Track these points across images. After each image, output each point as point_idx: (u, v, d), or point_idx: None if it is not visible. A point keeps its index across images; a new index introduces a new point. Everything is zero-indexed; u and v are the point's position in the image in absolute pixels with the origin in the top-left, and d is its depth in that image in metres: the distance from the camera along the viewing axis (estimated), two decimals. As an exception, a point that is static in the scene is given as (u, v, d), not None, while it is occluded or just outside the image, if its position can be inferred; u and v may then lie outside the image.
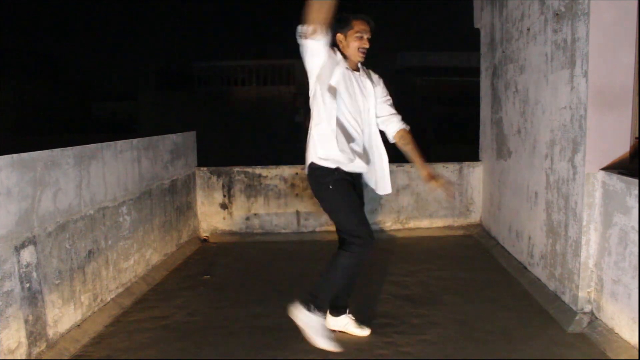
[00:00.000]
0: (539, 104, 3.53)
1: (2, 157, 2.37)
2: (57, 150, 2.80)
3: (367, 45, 2.62)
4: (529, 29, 3.68)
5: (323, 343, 2.61)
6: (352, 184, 2.73)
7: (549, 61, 3.32)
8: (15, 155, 2.47)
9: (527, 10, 3.70)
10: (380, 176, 2.85)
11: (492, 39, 4.70)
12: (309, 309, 2.60)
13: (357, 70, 2.71)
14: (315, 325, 2.61)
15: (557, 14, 3.17)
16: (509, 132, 4.22)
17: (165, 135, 4.41)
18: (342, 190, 2.61)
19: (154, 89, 17.43)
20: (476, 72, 5.37)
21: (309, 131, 2.67)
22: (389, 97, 2.83)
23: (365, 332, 2.92)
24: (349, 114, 2.61)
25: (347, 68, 2.63)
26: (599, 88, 2.79)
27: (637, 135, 2.82)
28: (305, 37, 2.39)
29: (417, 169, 2.86)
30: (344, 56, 2.64)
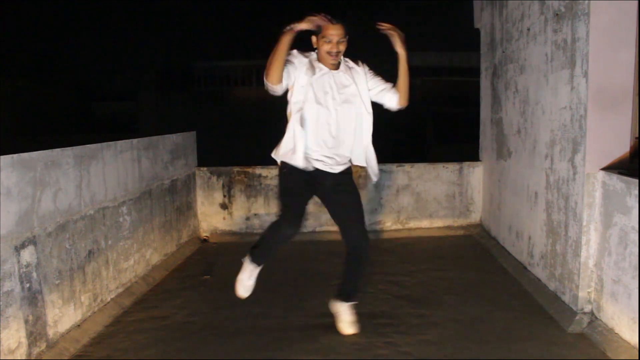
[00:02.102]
0: (539, 104, 3.53)
1: (2, 157, 2.37)
2: (57, 150, 2.80)
3: (336, 49, 2.61)
4: (529, 29, 3.68)
5: (239, 289, 2.96)
6: (311, 181, 2.76)
7: (549, 61, 3.32)
8: (15, 155, 2.47)
9: (527, 10, 3.70)
10: (357, 155, 2.87)
11: (492, 39, 4.70)
12: (248, 257, 2.95)
13: (336, 68, 2.71)
14: (246, 269, 2.95)
15: (557, 14, 3.17)
16: (509, 132, 4.22)
17: (165, 135, 4.41)
18: (291, 179, 2.76)
19: (154, 89, 17.43)
20: (476, 72, 5.37)
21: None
22: (378, 79, 2.83)
23: (348, 330, 2.92)
24: (318, 114, 2.67)
25: (317, 69, 2.66)
26: (599, 88, 2.79)
27: (637, 135, 2.82)
28: (267, 88, 2.61)
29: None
30: (319, 60, 2.70)
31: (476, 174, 5.19)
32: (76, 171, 2.98)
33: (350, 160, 2.88)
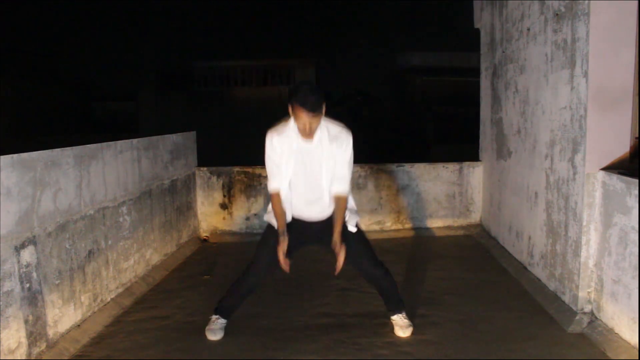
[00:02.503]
0: (539, 104, 3.53)
1: (2, 157, 2.37)
2: (57, 150, 2.80)
3: (308, 128, 2.58)
4: (529, 29, 3.68)
5: (208, 333, 2.96)
6: (295, 232, 2.80)
7: (549, 61, 3.32)
8: (15, 155, 2.47)
9: (527, 10, 3.70)
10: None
11: (492, 39, 4.70)
12: (214, 312, 3.03)
13: (311, 139, 2.66)
14: (211, 321, 3.01)
15: (557, 14, 3.18)
16: (509, 132, 4.22)
17: (165, 135, 4.41)
18: (271, 231, 2.86)
19: (154, 89, 17.43)
20: (476, 72, 5.37)
21: None
22: (342, 169, 2.74)
23: (404, 333, 2.95)
24: (297, 180, 2.73)
25: (294, 139, 2.67)
26: (599, 88, 2.79)
27: (637, 135, 2.82)
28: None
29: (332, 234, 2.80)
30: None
31: (476, 174, 5.19)
32: (76, 171, 2.98)
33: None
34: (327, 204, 2.80)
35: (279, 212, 2.74)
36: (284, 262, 2.73)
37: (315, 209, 2.80)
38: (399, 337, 2.90)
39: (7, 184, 2.40)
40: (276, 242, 2.76)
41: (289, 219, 2.81)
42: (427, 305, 3.35)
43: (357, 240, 2.89)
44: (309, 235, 2.86)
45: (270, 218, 2.89)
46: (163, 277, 3.98)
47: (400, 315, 3.01)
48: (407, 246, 4.77)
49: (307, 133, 2.61)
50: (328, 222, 2.80)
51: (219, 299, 3.06)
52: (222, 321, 2.99)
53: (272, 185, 2.74)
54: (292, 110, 2.58)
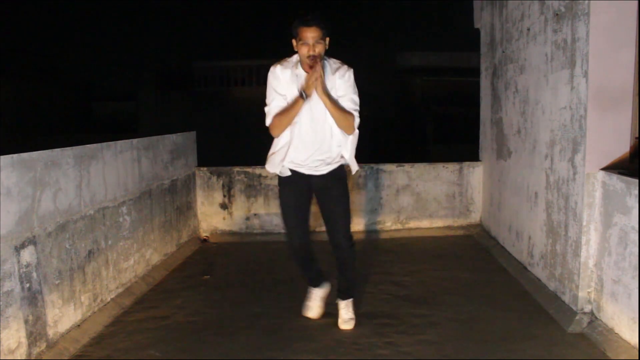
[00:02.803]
0: (539, 104, 3.53)
1: (2, 157, 2.37)
2: (57, 150, 2.80)
3: (312, 53, 2.61)
4: (529, 29, 3.68)
5: (305, 311, 3.14)
6: (302, 185, 2.86)
7: (549, 61, 3.32)
8: (15, 155, 2.47)
9: (527, 10, 3.70)
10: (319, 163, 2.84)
11: (492, 39, 4.70)
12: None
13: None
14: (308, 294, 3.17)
15: (557, 14, 3.17)
16: (509, 132, 4.22)
17: (165, 135, 4.41)
18: (284, 192, 2.92)
19: (154, 89, 17.42)
20: (476, 72, 5.37)
21: None
22: (346, 93, 2.75)
23: (343, 326, 3.01)
24: (299, 119, 2.71)
25: (297, 71, 2.70)
26: (599, 88, 2.79)
27: (637, 135, 2.82)
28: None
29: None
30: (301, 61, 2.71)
31: (476, 174, 5.19)
32: (76, 171, 2.98)
33: (337, 159, 2.88)
34: (330, 150, 2.78)
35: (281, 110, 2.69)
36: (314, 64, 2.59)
37: (318, 156, 2.77)
38: (399, 337, 2.90)
39: (7, 184, 2.40)
40: (294, 200, 2.85)
41: (287, 171, 2.83)
42: (427, 305, 3.35)
43: (342, 204, 2.93)
44: (308, 190, 2.87)
45: (271, 167, 2.83)
46: (163, 277, 3.98)
47: (346, 302, 3.04)
48: (407, 246, 4.77)
49: (311, 59, 2.60)
50: (329, 177, 2.83)
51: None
52: (315, 290, 3.12)
53: (274, 104, 2.69)
54: (296, 37, 2.63)
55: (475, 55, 5.42)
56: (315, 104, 2.70)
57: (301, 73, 2.70)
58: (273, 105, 2.72)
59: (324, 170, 2.84)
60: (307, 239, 2.98)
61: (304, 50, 2.62)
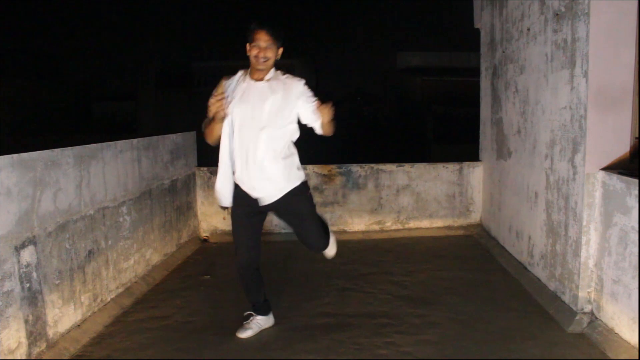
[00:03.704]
0: (539, 104, 3.53)
1: (2, 157, 2.37)
2: (57, 150, 2.80)
3: (263, 54, 2.58)
4: (529, 29, 3.68)
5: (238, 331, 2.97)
6: (251, 203, 2.71)
7: (549, 61, 3.32)
8: (15, 155, 2.47)
9: (527, 10, 3.70)
10: (262, 187, 2.68)
11: (492, 39, 4.70)
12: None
13: (261, 79, 2.65)
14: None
15: (557, 14, 3.18)
16: (509, 132, 4.22)
17: (165, 135, 4.41)
18: (236, 209, 2.79)
19: (154, 89, 17.43)
20: (476, 72, 5.37)
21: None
22: (312, 99, 2.68)
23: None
24: (239, 127, 2.65)
25: (244, 80, 2.67)
26: (599, 88, 2.79)
27: (637, 135, 2.82)
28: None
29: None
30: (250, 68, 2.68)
31: (476, 174, 5.20)
32: (76, 171, 2.98)
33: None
34: (265, 164, 2.62)
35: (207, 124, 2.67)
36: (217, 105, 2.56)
37: (253, 169, 2.62)
38: (399, 337, 2.90)
39: (7, 184, 2.40)
40: (242, 215, 2.74)
41: (229, 190, 2.71)
42: (427, 305, 3.35)
43: (304, 219, 2.83)
44: (258, 208, 2.72)
45: (220, 196, 2.74)
46: (163, 277, 3.98)
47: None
48: (407, 246, 4.77)
49: (261, 61, 2.58)
50: (279, 202, 2.70)
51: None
52: (258, 318, 3.00)
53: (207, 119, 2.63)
54: (250, 40, 2.62)
55: (475, 55, 5.43)
56: (256, 101, 2.63)
57: (245, 79, 2.67)
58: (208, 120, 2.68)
59: (277, 194, 2.71)
60: (257, 258, 2.85)
61: (254, 52, 2.60)
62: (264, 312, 3.01)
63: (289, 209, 2.78)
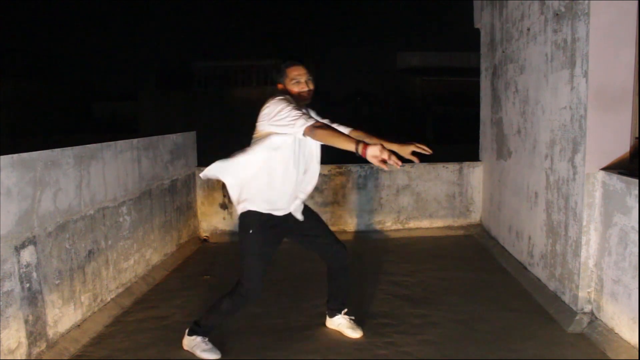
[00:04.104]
0: (539, 104, 3.53)
1: (2, 157, 2.37)
2: (57, 150, 2.80)
3: (306, 88, 2.56)
4: (529, 29, 3.68)
5: (206, 355, 2.71)
6: (278, 231, 2.65)
7: (549, 61, 3.32)
8: (15, 155, 2.47)
9: (527, 10, 3.70)
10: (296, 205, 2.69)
11: (492, 39, 4.70)
12: (190, 334, 2.76)
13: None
14: (197, 344, 2.74)
15: (557, 14, 3.18)
16: (509, 132, 4.22)
17: (165, 135, 4.41)
18: (262, 241, 2.60)
19: (154, 89, 17.43)
20: (476, 72, 5.37)
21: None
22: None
23: (357, 334, 2.92)
24: (292, 158, 2.56)
25: None
26: (599, 88, 2.79)
27: (637, 135, 2.82)
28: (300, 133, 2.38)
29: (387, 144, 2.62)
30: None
31: (476, 174, 5.20)
32: (76, 171, 2.98)
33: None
34: (309, 189, 2.68)
35: (335, 131, 2.34)
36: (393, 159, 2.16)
37: (299, 193, 2.65)
38: (399, 337, 2.90)
39: (7, 184, 2.40)
40: (267, 243, 2.58)
41: (262, 210, 2.56)
42: (427, 305, 3.35)
43: (318, 219, 2.85)
44: (285, 228, 2.66)
45: (249, 205, 2.56)
46: (163, 277, 3.98)
47: (343, 314, 2.97)
48: (407, 246, 4.77)
49: (306, 95, 2.56)
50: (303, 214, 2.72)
51: (197, 318, 2.83)
52: (204, 340, 2.74)
53: (303, 119, 2.33)
54: (286, 78, 2.56)
55: (475, 55, 5.43)
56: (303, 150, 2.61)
57: None
58: (293, 112, 2.39)
59: (300, 204, 2.73)
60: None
61: (297, 89, 2.55)
62: (207, 334, 2.78)
63: (310, 220, 2.78)
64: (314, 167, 2.70)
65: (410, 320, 3.11)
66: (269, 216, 2.58)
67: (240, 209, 2.60)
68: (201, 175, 2.70)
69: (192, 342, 2.74)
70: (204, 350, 2.71)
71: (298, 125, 2.33)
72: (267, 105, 2.49)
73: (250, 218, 2.58)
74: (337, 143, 2.29)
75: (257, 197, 2.57)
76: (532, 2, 3.60)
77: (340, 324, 2.97)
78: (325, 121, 2.66)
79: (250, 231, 2.57)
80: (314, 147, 2.67)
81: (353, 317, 3.00)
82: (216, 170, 2.65)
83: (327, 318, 3.03)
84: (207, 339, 2.75)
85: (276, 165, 2.53)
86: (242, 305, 2.71)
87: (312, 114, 2.71)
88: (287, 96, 2.53)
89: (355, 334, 2.92)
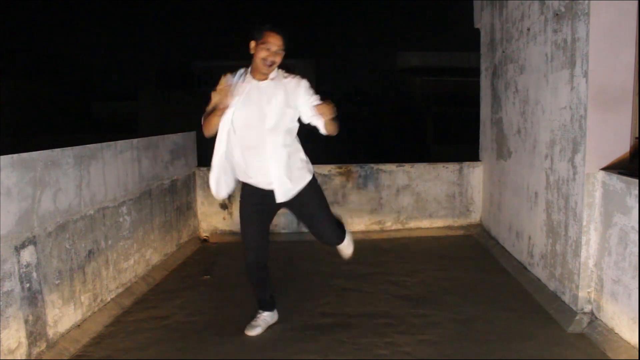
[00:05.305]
0: (539, 104, 3.53)
1: (2, 157, 2.37)
2: (57, 150, 2.80)
3: (272, 58, 2.57)
4: (529, 29, 3.68)
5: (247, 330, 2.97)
6: (262, 200, 2.74)
7: (549, 61, 3.32)
8: (15, 155, 2.47)
9: (527, 10, 3.70)
10: (276, 186, 2.70)
11: (492, 39, 4.70)
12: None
13: (265, 79, 2.65)
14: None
15: (557, 14, 3.18)
16: (509, 132, 4.22)
17: (165, 135, 4.41)
18: (245, 206, 2.82)
19: (154, 89, 17.42)
20: (476, 72, 5.37)
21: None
22: (313, 98, 2.69)
23: (347, 252, 3.04)
24: (242, 127, 2.64)
25: (246, 79, 2.64)
26: (599, 88, 2.79)
27: (637, 135, 2.82)
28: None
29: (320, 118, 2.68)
30: (252, 68, 2.64)
31: (476, 174, 5.20)
32: (76, 171, 2.98)
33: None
34: (274, 164, 2.64)
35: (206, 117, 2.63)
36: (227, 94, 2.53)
37: (261, 168, 2.66)
38: (399, 337, 2.89)
39: (7, 184, 2.40)
40: (251, 212, 2.76)
41: (225, 182, 2.76)
42: (427, 305, 3.35)
43: (315, 205, 2.85)
44: (271, 203, 2.73)
45: (216, 187, 2.77)
46: (163, 277, 3.98)
47: (342, 244, 3.02)
48: (407, 246, 4.77)
49: (268, 65, 2.56)
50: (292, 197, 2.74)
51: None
52: (265, 315, 3.01)
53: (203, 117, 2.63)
54: (258, 39, 2.56)
55: (475, 55, 5.42)
56: (259, 101, 2.63)
57: (248, 78, 2.64)
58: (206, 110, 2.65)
59: (278, 185, 2.72)
60: (265, 255, 2.90)
61: (263, 54, 2.56)
62: (269, 308, 3.05)
63: (302, 202, 2.79)
64: (264, 146, 2.64)
65: (410, 320, 3.11)
66: (250, 187, 2.75)
67: None
68: (220, 198, 2.88)
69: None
70: (250, 325, 2.98)
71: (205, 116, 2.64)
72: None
73: (241, 189, 2.82)
74: (213, 121, 2.61)
75: (235, 169, 2.76)
76: (532, 2, 3.60)
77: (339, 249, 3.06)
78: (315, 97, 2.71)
79: (239, 199, 2.83)
80: (264, 129, 2.64)
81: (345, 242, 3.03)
82: (217, 175, 2.80)
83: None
84: (265, 314, 3.03)
85: (224, 144, 2.71)
86: (252, 274, 2.92)
87: (293, 85, 2.69)
88: (228, 75, 2.61)
89: (248, 331, 2.97)
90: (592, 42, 2.76)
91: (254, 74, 2.66)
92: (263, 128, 2.63)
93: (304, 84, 2.71)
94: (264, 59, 2.56)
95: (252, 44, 2.60)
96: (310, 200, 2.82)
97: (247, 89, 2.64)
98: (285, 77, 2.71)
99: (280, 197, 2.70)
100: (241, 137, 2.66)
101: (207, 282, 3.88)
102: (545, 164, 3.41)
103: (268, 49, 2.56)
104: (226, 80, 2.60)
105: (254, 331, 2.95)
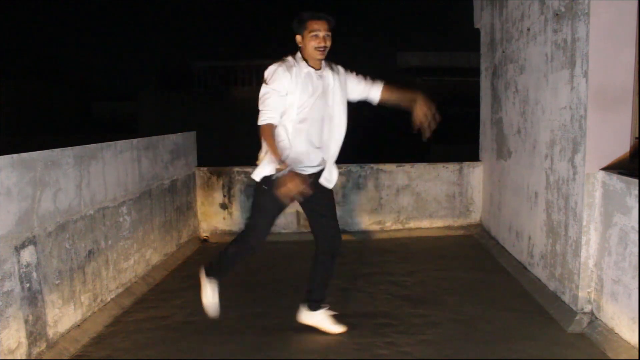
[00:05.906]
0: (539, 104, 3.53)
1: (2, 157, 2.37)
2: (57, 150, 2.80)
3: (323, 44, 2.59)
4: (529, 29, 3.68)
5: (205, 299, 2.95)
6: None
7: (549, 61, 3.32)
8: (15, 155, 2.47)
9: (527, 10, 3.70)
10: (327, 167, 2.82)
11: (492, 39, 4.70)
12: (206, 275, 2.97)
13: (319, 68, 2.68)
14: (207, 288, 2.97)
15: (557, 14, 3.18)
16: (509, 132, 4.22)
17: (165, 135, 4.41)
18: (271, 199, 2.68)
19: (154, 89, 17.41)
20: (476, 72, 5.37)
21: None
22: (361, 78, 2.88)
23: (338, 329, 2.94)
24: (305, 114, 2.64)
25: (302, 73, 2.63)
26: (599, 88, 2.79)
27: (637, 135, 2.82)
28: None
29: (410, 104, 2.90)
30: (304, 58, 2.66)
31: (476, 174, 5.19)
32: (76, 171, 2.98)
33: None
34: (331, 148, 2.75)
35: (276, 143, 2.56)
36: (303, 189, 2.50)
37: (321, 152, 2.73)
38: (399, 337, 2.90)
39: (7, 184, 2.40)
40: (274, 206, 2.71)
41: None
42: (427, 305, 3.35)
43: (330, 197, 2.91)
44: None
45: (261, 171, 2.67)
46: (163, 277, 3.98)
47: (323, 311, 2.97)
48: (407, 246, 4.77)
49: (321, 50, 2.59)
50: (315, 180, 2.76)
51: (209, 262, 3.02)
52: (217, 288, 2.95)
53: (269, 115, 2.54)
54: (304, 31, 2.59)
55: (475, 55, 5.42)
56: (323, 89, 2.68)
57: (306, 70, 2.63)
58: (267, 103, 2.57)
59: (313, 170, 2.77)
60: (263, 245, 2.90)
61: (314, 43, 2.58)
62: (218, 279, 2.99)
63: (323, 196, 2.85)
64: (332, 129, 2.76)
65: (410, 320, 3.11)
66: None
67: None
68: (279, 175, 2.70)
69: (205, 284, 2.97)
70: (208, 303, 2.95)
71: (259, 119, 2.56)
72: (266, 71, 2.61)
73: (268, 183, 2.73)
74: (268, 148, 2.56)
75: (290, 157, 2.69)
76: (532, 2, 3.60)
77: (322, 320, 2.96)
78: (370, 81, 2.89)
79: (263, 190, 2.71)
80: (332, 114, 2.73)
81: (335, 313, 2.99)
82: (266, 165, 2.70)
83: (306, 311, 2.98)
84: (216, 286, 2.95)
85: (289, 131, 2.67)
86: (243, 257, 2.94)
87: (340, 70, 2.78)
88: (280, 68, 2.57)
89: (337, 329, 2.93)
90: (592, 42, 2.76)
91: (309, 62, 2.65)
92: (329, 116, 2.72)
93: (342, 68, 2.82)
94: (317, 47, 2.60)
95: (299, 37, 2.64)
96: (329, 201, 2.90)
97: (308, 79, 2.63)
98: (328, 63, 2.77)
99: (323, 181, 2.78)
100: (312, 126, 2.66)
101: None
102: (545, 164, 3.41)
103: (317, 36, 2.59)
104: (283, 77, 2.56)
105: (214, 299, 2.94)
